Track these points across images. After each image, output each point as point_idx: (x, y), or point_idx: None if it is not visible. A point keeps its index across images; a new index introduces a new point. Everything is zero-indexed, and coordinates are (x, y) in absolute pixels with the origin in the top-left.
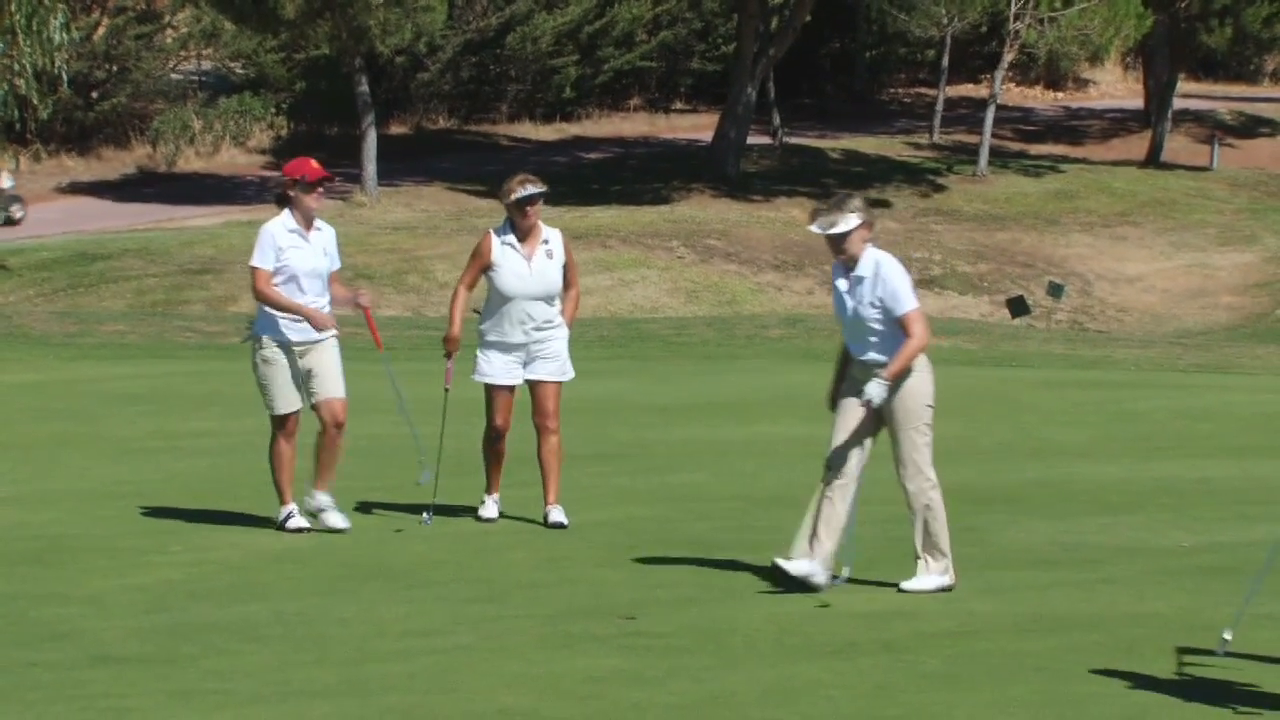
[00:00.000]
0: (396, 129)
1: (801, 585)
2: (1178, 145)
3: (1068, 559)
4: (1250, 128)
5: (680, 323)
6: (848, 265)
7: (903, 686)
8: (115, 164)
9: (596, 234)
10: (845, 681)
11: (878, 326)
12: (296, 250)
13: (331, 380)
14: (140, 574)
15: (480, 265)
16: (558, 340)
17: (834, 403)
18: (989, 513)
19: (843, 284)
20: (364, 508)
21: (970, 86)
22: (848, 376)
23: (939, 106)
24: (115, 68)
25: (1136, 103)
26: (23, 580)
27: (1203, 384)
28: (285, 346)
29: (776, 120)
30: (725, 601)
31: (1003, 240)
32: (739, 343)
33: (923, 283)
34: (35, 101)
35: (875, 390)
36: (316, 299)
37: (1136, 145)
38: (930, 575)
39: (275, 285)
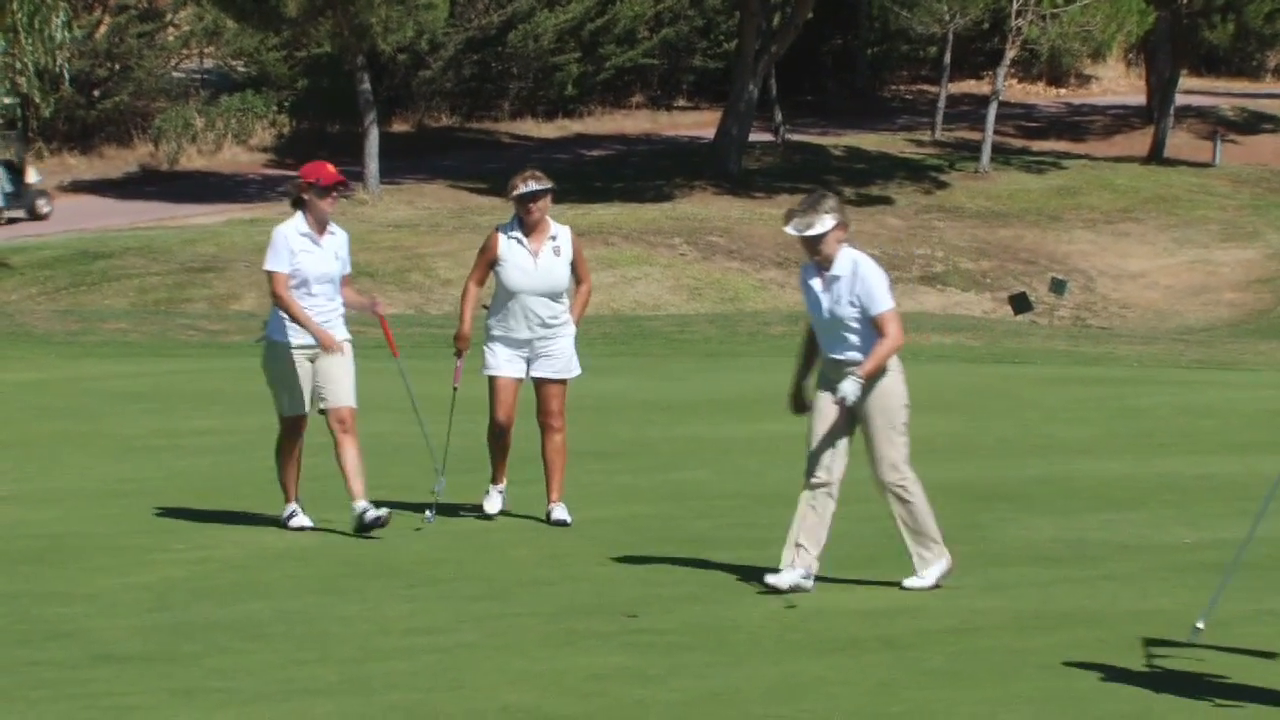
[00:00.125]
0: (398, 127)
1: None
2: (1180, 141)
3: (1070, 555)
4: (1253, 124)
5: (682, 320)
6: (823, 266)
7: (905, 683)
8: (117, 162)
9: (599, 231)
10: (848, 678)
11: (855, 325)
12: (308, 254)
13: (342, 387)
14: (143, 572)
15: (488, 261)
16: (564, 338)
17: (796, 404)
18: (991, 509)
19: (817, 284)
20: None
21: (972, 83)
22: (822, 376)
23: (941, 103)
24: (117, 66)
25: (1139, 99)
26: (25, 579)
27: (1205, 380)
28: (297, 349)
29: (778, 117)
30: (728, 599)
31: (1005, 237)
32: (741, 340)
33: (925, 279)
34: (37, 100)
35: (850, 388)
36: (327, 303)
37: (1139, 141)
38: (929, 568)
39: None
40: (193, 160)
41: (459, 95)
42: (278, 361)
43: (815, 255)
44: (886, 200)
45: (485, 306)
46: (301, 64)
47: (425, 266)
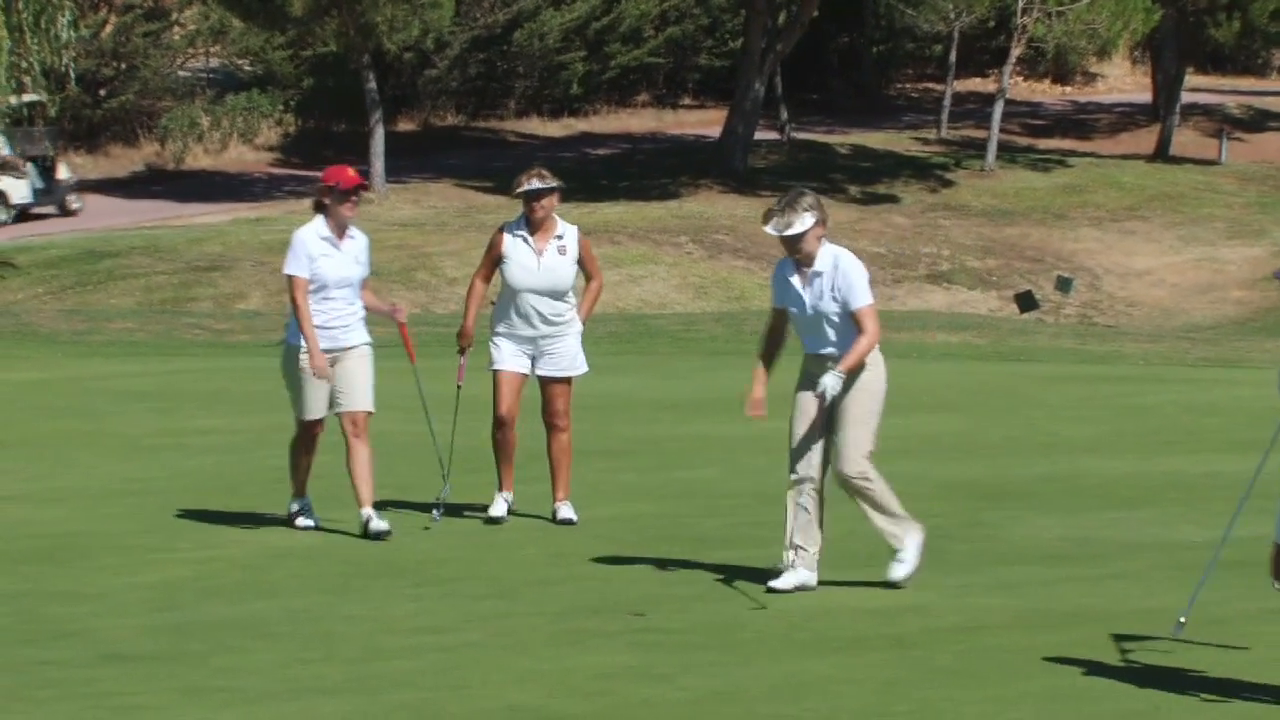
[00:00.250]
0: (404, 125)
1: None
2: (1186, 139)
3: (1077, 554)
4: (1258, 121)
5: (688, 318)
6: (803, 263)
7: (912, 682)
8: (123, 161)
9: (604, 230)
10: (855, 677)
11: (838, 320)
12: (327, 258)
13: (360, 392)
14: (149, 572)
15: (493, 258)
16: (569, 337)
17: (755, 405)
18: (998, 508)
19: (797, 280)
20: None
21: (978, 81)
22: (803, 373)
23: (947, 101)
24: (123, 65)
25: (1144, 97)
26: (31, 578)
27: (1212, 378)
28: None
29: (784, 116)
30: (735, 597)
31: (1011, 235)
32: (747, 338)
33: (931, 278)
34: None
35: (831, 382)
36: (347, 306)
37: (1145, 139)
38: (905, 551)
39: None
40: (198, 159)
41: (465, 94)
42: (295, 365)
43: (796, 253)
44: (892, 198)
45: (493, 304)
46: (307, 63)
47: (431, 265)
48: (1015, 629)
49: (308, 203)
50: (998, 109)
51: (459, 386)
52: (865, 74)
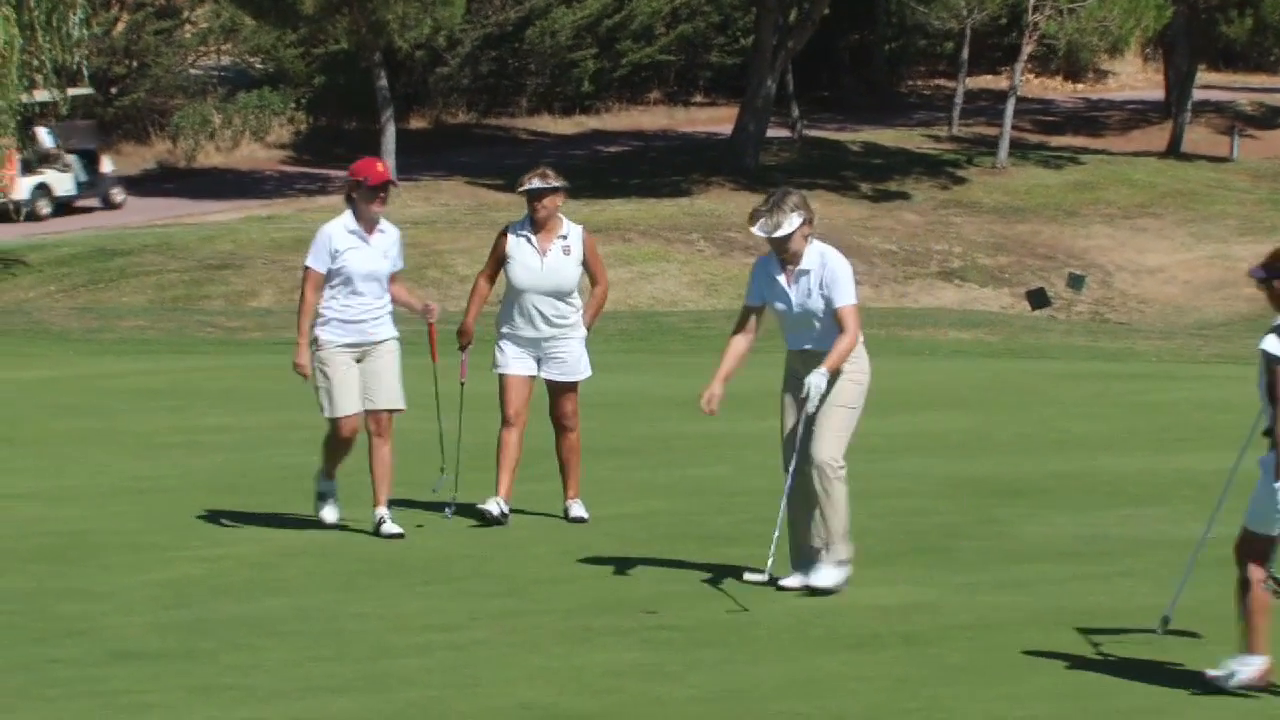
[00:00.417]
0: (415, 123)
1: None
2: (1198, 136)
3: (1088, 551)
4: (1270, 118)
5: (700, 315)
6: (790, 262)
7: (924, 680)
8: (135, 159)
9: (616, 227)
10: (866, 674)
11: (824, 317)
12: (355, 251)
13: (387, 390)
14: (159, 570)
15: (497, 258)
16: (572, 339)
17: (711, 402)
18: (1010, 506)
19: (783, 279)
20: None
21: (990, 78)
22: (789, 370)
23: (958, 98)
24: (135, 63)
25: (1156, 94)
26: (43, 576)
27: (1224, 375)
28: (343, 349)
29: (795, 113)
30: (745, 595)
31: (1023, 232)
32: (759, 335)
33: (943, 275)
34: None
35: (816, 381)
36: (374, 300)
37: (1157, 136)
38: (828, 566)
39: (333, 286)
40: (210, 157)
41: (476, 92)
42: (323, 361)
43: (783, 254)
44: (904, 196)
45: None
46: (319, 61)
47: (443, 263)
48: (1026, 626)
49: (319, 200)
50: (1009, 106)
51: (462, 383)
52: (877, 71)
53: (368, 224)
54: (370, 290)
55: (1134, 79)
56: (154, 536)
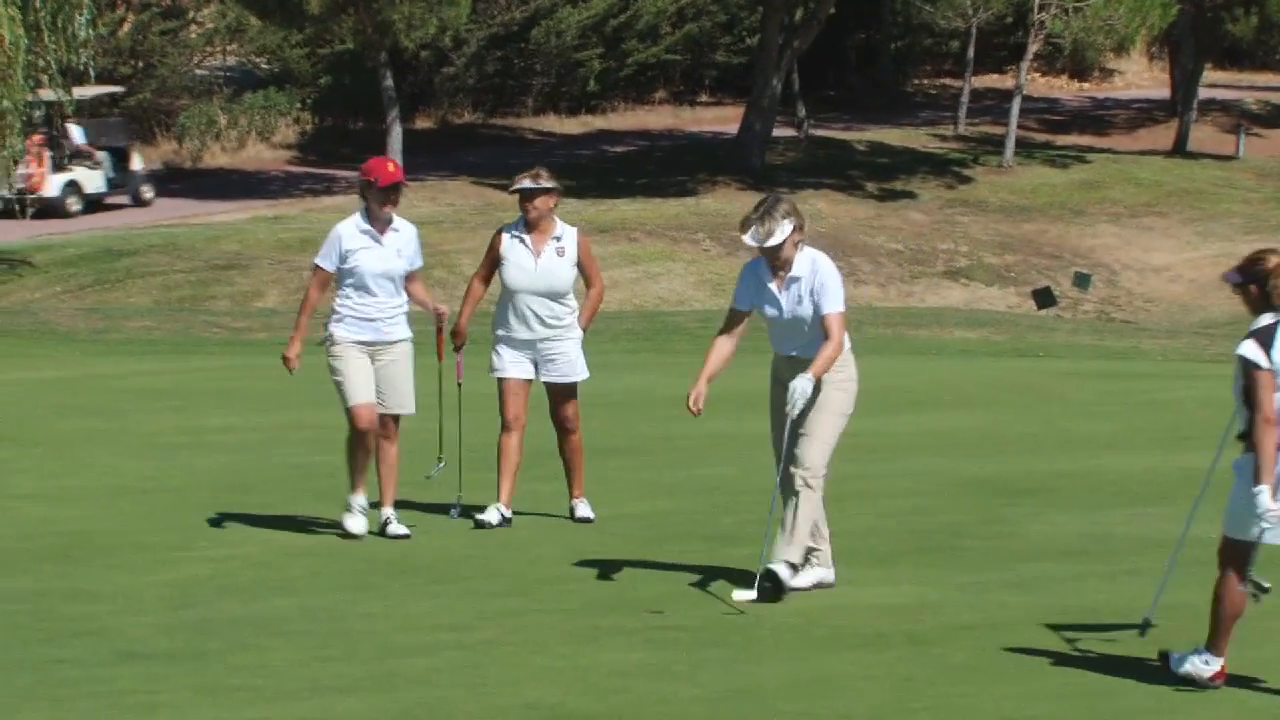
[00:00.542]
0: (421, 123)
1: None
2: (1204, 135)
3: (1095, 550)
4: (1276, 117)
5: (706, 315)
6: (781, 268)
7: (930, 679)
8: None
9: (622, 227)
10: (872, 674)
11: (814, 323)
12: (367, 251)
13: (399, 395)
14: (166, 570)
15: (492, 258)
16: (567, 341)
17: (696, 403)
18: (1016, 505)
19: (774, 285)
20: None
21: (995, 77)
22: (775, 373)
23: (964, 98)
24: (141, 64)
25: (1162, 92)
26: (49, 577)
27: (1230, 374)
28: (357, 345)
29: (801, 112)
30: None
31: (1029, 231)
32: (764, 335)
33: (949, 274)
34: (60, 98)
35: (802, 385)
36: (389, 300)
37: (1162, 135)
38: (778, 563)
39: (346, 285)
40: (216, 157)
41: (482, 91)
42: (338, 357)
43: (775, 261)
44: (910, 195)
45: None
46: (324, 61)
47: (449, 263)
48: (1032, 626)
49: (325, 200)
50: (1015, 105)
51: (459, 384)
52: (883, 70)
53: (380, 223)
54: (384, 290)
55: (1140, 78)
56: (160, 536)
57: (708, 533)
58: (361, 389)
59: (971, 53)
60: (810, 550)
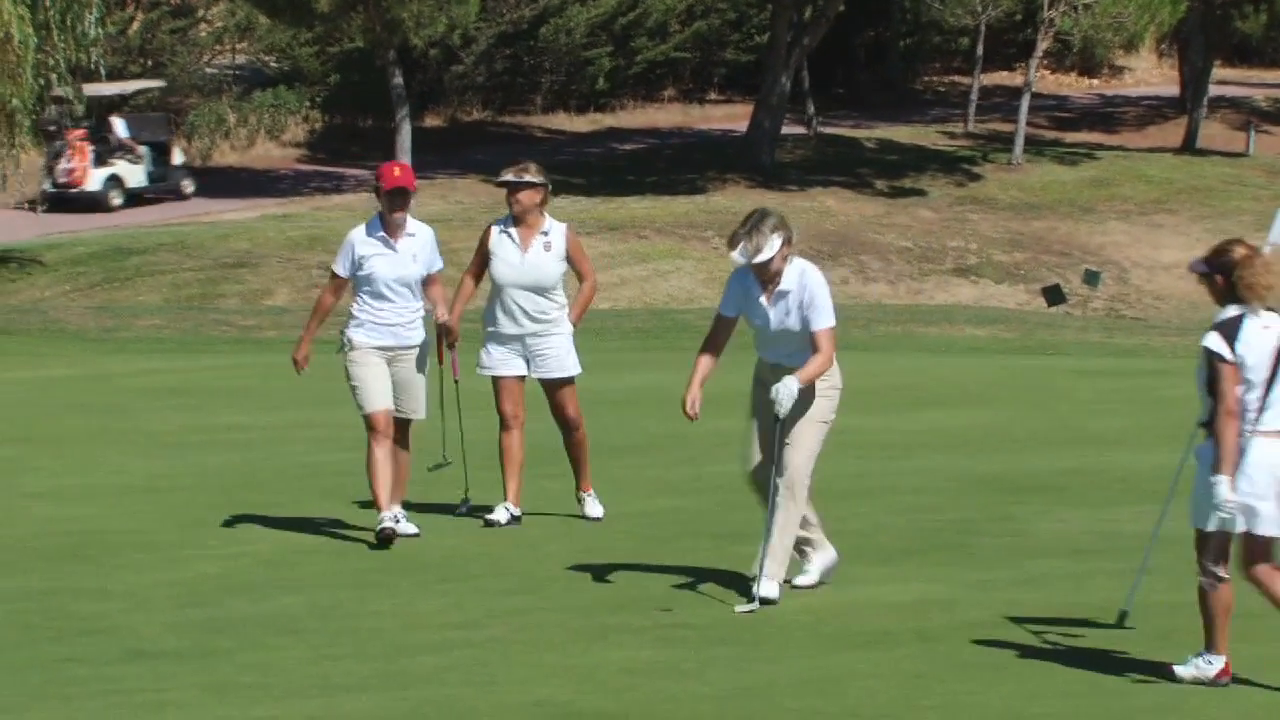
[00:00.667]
0: (431, 121)
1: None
2: (1213, 132)
3: (1104, 548)
4: None
5: (715, 313)
6: (770, 281)
7: (939, 676)
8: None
9: (631, 225)
10: (882, 671)
11: (802, 334)
12: (381, 257)
13: (412, 400)
14: (176, 568)
15: (482, 254)
16: (555, 336)
17: (692, 408)
18: (1025, 502)
19: (763, 299)
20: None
21: (1005, 74)
22: (757, 375)
23: (974, 95)
24: (150, 62)
25: (1172, 89)
26: (59, 575)
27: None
28: (376, 350)
29: (811, 110)
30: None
31: (1038, 229)
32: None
33: (958, 272)
34: (70, 96)
35: (790, 384)
36: (406, 305)
37: (1172, 132)
38: (766, 579)
39: (362, 290)
40: (225, 156)
41: (491, 89)
42: (355, 362)
43: (764, 276)
44: (919, 192)
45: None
46: (334, 59)
47: (459, 261)
48: (1042, 623)
49: (335, 199)
50: (1024, 102)
51: (456, 381)
52: (892, 68)
53: (392, 228)
54: (401, 295)
55: (1149, 75)
56: (170, 535)
57: (716, 531)
58: (379, 395)
59: (981, 50)
60: (801, 542)
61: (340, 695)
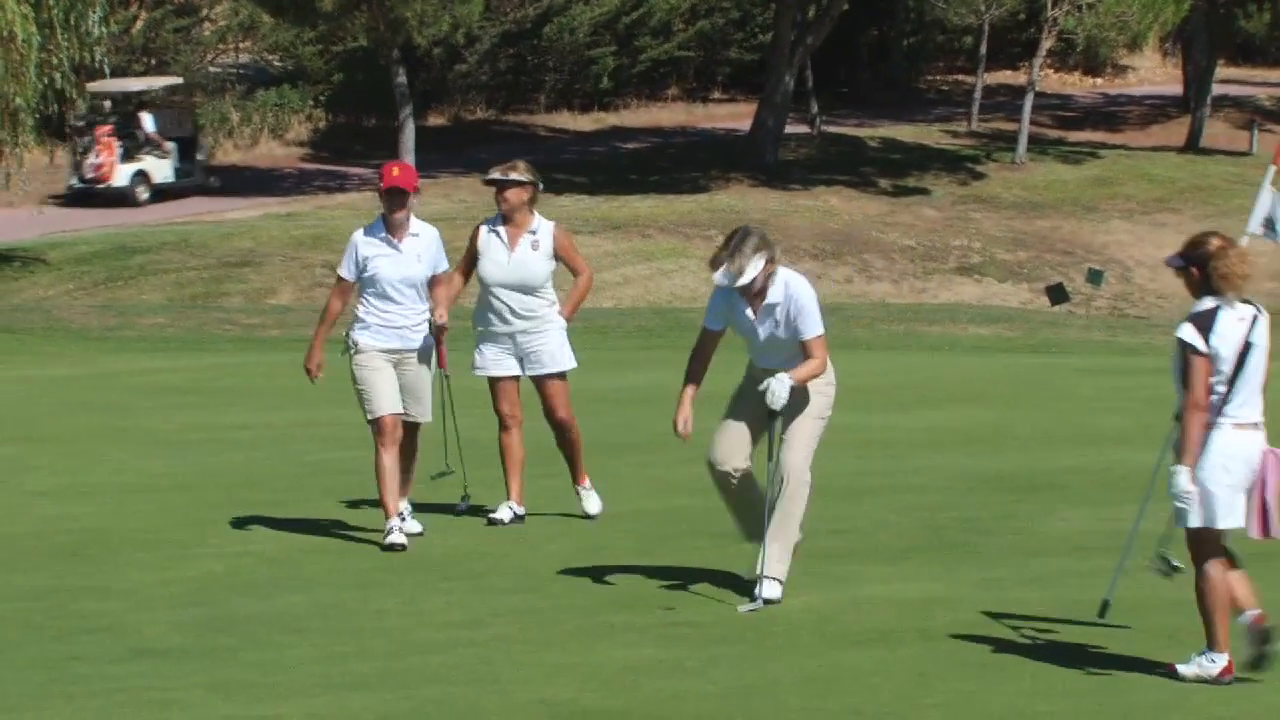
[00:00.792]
0: (434, 120)
1: (831, 579)
2: (1217, 131)
3: (1107, 546)
4: None
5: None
6: (756, 298)
7: (943, 675)
8: None
9: (635, 224)
10: (885, 670)
11: (792, 344)
12: (385, 258)
13: (417, 402)
14: (179, 567)
15: (470, 253)
16: (547, 332)
17: (684, 424)
18: (1029, 501)
19: (750, 313)
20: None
21: (1008, 73)
22: (747, 375)
23: (977, 94)
24: (154, 61)
25: (1175, 88)
26: (63, 574)
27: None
28: (382, 353)
29: (814, 109)
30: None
31: (1042, 227)
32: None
33: (962, 270)
34: (73, 95)
35: (783, 381)
36: (412, 305)
37: (1175, 131)
38: (769, 580)
39: (367, 292)
40: (229, 155)
41: (495, 88)
42: (361, 365)
43: (748, 295)
44: (923, 191)
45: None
46: (337, 58)
47: None
48: (1046, 621)
49: (339, 198)
50: (1028, 101)
51: (446, 376)
52: (895, 67)
53: (394, 228)
54: (406, 297)
55: (1153, 74)
56: (174, 534)
57: (719, 530)
58: (386, 399)
59: (984, 49)
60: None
61: (344, 693)
